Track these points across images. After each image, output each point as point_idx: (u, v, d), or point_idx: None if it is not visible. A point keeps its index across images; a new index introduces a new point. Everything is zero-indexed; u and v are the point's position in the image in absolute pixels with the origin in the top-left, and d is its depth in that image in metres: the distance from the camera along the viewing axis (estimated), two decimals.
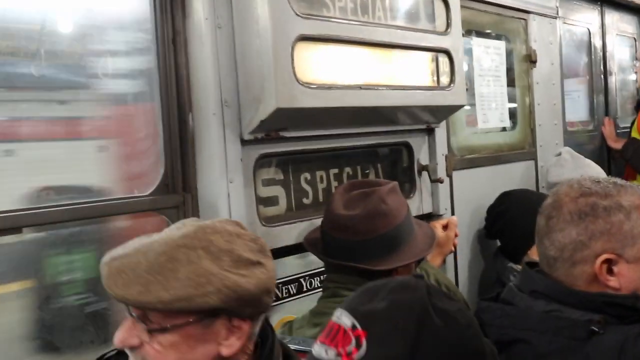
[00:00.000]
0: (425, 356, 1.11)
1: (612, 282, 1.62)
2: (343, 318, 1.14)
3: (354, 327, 1.12)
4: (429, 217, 2.94)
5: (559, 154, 3.62)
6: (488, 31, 3.54)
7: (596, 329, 1.55)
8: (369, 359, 1.09)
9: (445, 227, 2.79)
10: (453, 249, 2.83)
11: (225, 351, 1.40)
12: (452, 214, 3.04)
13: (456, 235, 2.81)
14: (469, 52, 3.35)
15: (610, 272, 1.62)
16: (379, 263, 2.10)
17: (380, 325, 1.12)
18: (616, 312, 1.59)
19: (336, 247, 2.13)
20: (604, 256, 1.61)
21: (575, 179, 1.74)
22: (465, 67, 3.22)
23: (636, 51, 5.20)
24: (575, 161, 3.54)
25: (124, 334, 1.38)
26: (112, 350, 1.56)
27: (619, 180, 1.71)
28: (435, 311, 1.15)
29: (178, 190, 2.13)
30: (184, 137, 2.14)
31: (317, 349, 1.15)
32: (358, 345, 1.10)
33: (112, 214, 2.04)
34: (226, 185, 2.14)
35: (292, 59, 2.10)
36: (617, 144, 4.31)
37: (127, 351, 1.40)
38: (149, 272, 1.33)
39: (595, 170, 3.47)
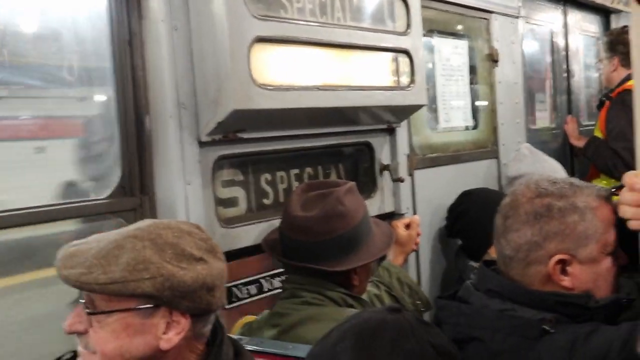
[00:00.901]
0: None
1: (566, 282, 1.64)
2: None
3: None
4: (390, 217, 2.97)
5: (518, 150, 3.69)
6: (450, 31, 3.56)
7: (548, 328, 1.57)
8: None
9: (407, 226, 2.81)
10: (415, 248, 2.85)
11: (164, 345, 1.42)
12: (414, 213, 3.06)
13: (418, 234, 2.83)
14: (431, 52, 3.38)
15: (564, 272, 1.64)
16: (337, 264, 2.12)
17: None
18: (568, 312, 1.61)
19: (294, 248, 2.14)
20: (558, 257, 1.63)
21: (533, 179, 1.76)
22: (428, 66, 3.25)
23: (599, 50, 5.28)
24: (534, 156, 3.60)
25: (72, 320, 1.43)
26: (70, 352, 1.58)
27: (576, 181, 1.73)
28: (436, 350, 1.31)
29: (135, 193, 2.12)
30: (141, 140, 2.13)
31: None
32: None
33: (68, 218, 2.03)
34: (184, 188, 2.13)
35: (249, 61, 2.10)
36: (579, 142, 4.38)
37: (76, 338, 1.45)
38: (95, 257, 1.39)
39: (552, 165, 3.55)
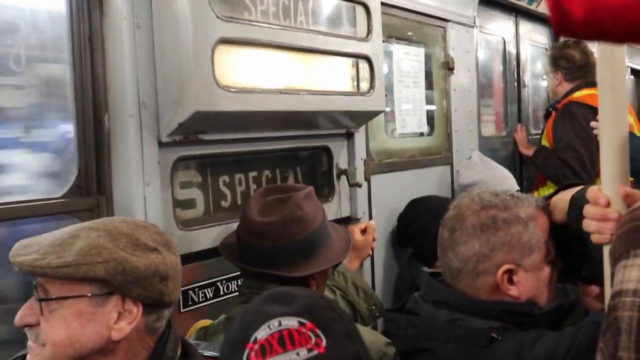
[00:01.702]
0: (353, 325, 1.27)
1: (512, 291, 1.70)
2: (285, 322, 1.19)
3: (301, 324, 1.18)
4: (347, 221, 2.98)
5: (469, 158, 3.77)
6: (408, 38, 3.60)
7: (495, 336, 1.62)
8: (334, 342, 1.18)
9: (363, 231, 2.83)
10: (371, 252, 2.87)
11: (115, 335, 1.43)
12: (370, 218, 3.09)
13: (374, 240, 2.86)
14: (389, 58, 3.41)
15: (510, 281, 1.70)
16: (295, 269, 2.11)
17: (321, 312, 1.21)
18: (514, 319, 1.67)
19: (252, 253, 2.12)
20: (505, 266, 1.69)
21: (475, 191, 1.82)
22: (385, 72, 3.28)
23: (547, 61, 5.42)
24: (484, 164, 3.70)
25: (23, 312, 1.44)
26: (18, 356, 1.57)
27: (515, 193, 1.81)
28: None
29: (92, 193, 2.08)
30: (100, 138, 2.08)
31: (281, 359, 1.16)
32: (317, 335, 1.18)
33: (21, 217, 1.97)
34: (142, 188, 2.10)
35: (212, 62, 2.08)
36: (528, 151, 4.48)
37: (26, 331, 1.45)
38: (50, 245, 1.42)
39: (502, 172, 3.65)
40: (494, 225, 1.70)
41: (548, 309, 1.70)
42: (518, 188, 3.65)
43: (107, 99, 2.08)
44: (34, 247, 1.42)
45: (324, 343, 1.16)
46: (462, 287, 1.73)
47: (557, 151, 4.10)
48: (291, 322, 1.18)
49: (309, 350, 1.15)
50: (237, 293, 2.34)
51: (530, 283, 1.71)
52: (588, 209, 1.39)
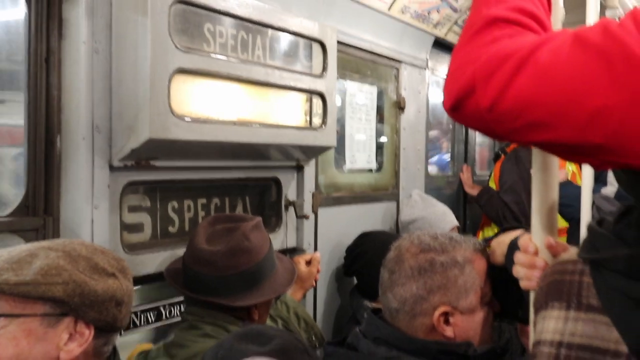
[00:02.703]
0: None
1: (448, 332, 1.75)
2: None
3: None
4: (292, 252, 3.03)
5: (410, 196, 3.90)
6: (362, 76, 3.70)
7: None
8: None
9: (308, 263, 2.88)
10: (314, 284, 2.92)
11: (63, 356, 1.43)
12: (315, 249, 3.13)
13: (318, 271, 2.91)
14: (342, 93, 3.49)
15: (446, 322, 1.75)
16: (239, 299, 2.14)
17: (295, 355, 1.24)
18: (449, 359, 1.72)
19: (197, 280, 2.15)
20: (441, 309, 1.74)
21: (415, 234, 1.87)
22: (338, 106, 3.36)
23: None
24: (424, 201, 3.84)
25: None
26: None
27: (454, 235, 1.87)
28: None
29: (39, 213, 2.07)
30: (50, 159, 2.09)
31: None
32: None
33: None
34: (90, 211, 2.11)
35: (169, 91, 2.11)
36: (473, 190, 4.61)
37: None
38: (7, 262, 1.42)
39: (441, 209, 3.78)
40: (431, 269, 1.75)
41: (482, 351, 1.75)
42: (457, 224, 3.76)
43: (61, 121, 2.10)
44: None
45: None
46: (400, 326, 1.78)
47: (501, 193, 4.24)
48: None
49: None
50: (179, 319, 2.35)
51: (466, 324, 1.76)
52: (518, 256, 1.47)
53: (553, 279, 1.10)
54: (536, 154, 1.42)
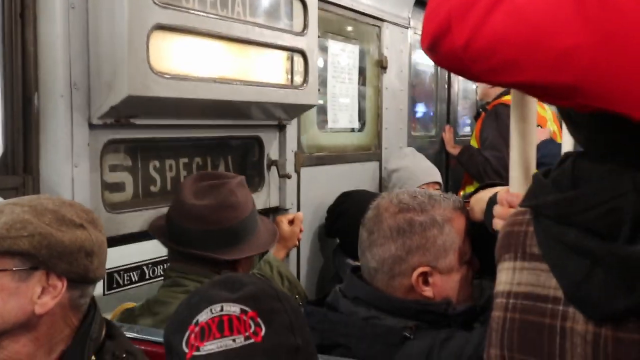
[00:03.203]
0: (300, 315, 1.28)
1: (427, 292, 1.75)
2: (227, 308, 1.19)
3: (243, 311, 1.18)
4: (275, 211, 3.03)
5: (401, 148, 3.99)
6: (343, 34, 3.67)
7: (407, 335, 1.66)
8: (274, 332, 1.18)
9: (291, 222, 2.88)
10: (297, 243, 2.93)
11: (38, 309, 1.43)
12: (298, 209, 3.14)
13: (301, 231, 2.92)
14: (324, 53, 3.47)
15: (425, 282, 1.75)
16: (225, 253, 2.16)
17: (265, 302, 1.21)
18: (429, 319, 1.72)
19: (182, 235, 2.16)
20: (420, 269, 1.73)
21: (394, 192, 1.86)
22: (320, 66, 3.34)
23: None
24: (414, 156, 3.90)
25: None
26: None
27: (433, 193, 1.85)
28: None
29: (18, 172, 2.05)
30: (28, 117, 2.06)
31: (217, 344, 1.15)
32: (257, 324, 1.17)
33: None
34: (71, 169, 2.09)
35: (147, 47, 2.08)
36: (454, 150, 4.63)
37: None
38: None
39: (427, 164, 3.87)
40: (410, 229, 1.74)
41: (461, 310, 1.75)
42: (439, 180, 3.81)
43: (38, 78, 2.06)
44: None
45: (262, 332, 1.17)
46: (379, 286, 1.77)
47: (482, 149, 4.26)
48: (233, 309, 1.18)
49: (246, 337, 1.15)
50: (162, 277, 2.36)
51: (445, 284, 1.76)
52: (496, 209, 1.47)
53: (505, 231, 1.11)
54: (515, 105, 1.42)
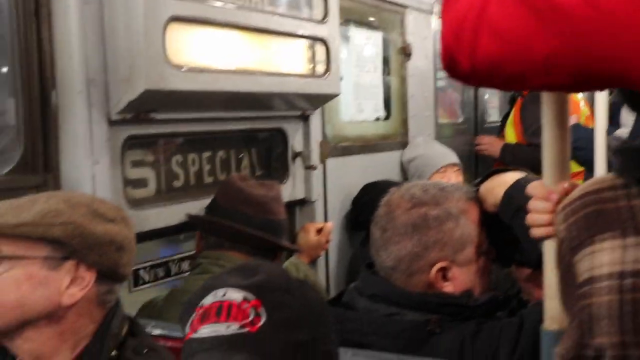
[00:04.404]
0: (314, 310, 1.21)
1: (447, 287, 1.70)
2: (230, 294, 1.16)
3: (246, 299, 1.14)
4: (301, 203, 2.99)
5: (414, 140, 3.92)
6: (366, 22, 3.61)
7: (432, 329, 1.62)
8: (273, 325, 1.13)
9: (319, 231, 2.84)
10: (321, 254, 2.89)
11: (65, 300, 1.43)
12: (325, 200, 3.09)
13: (327, 241, 2.87)
14: (346, 42, 3.41)
15: (445, 277, 1.70)
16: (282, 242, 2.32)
17: (271, 292, 1.17)
18: (450, 311, 1.67)
19: (239, 219, 2.23)
20: (439, 265, 1.69)
21: (405, 186, 1.80)
22: (343, 56, 3.28)
23: None
24: (427, 143, 3.86)
25: None
26: None
27: (445, 185, 1.80)
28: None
29: (38, 170, 2.03)
30: (46, 115, 2.04)
31: (210, 329, 1.13)
32: (257, 314, 1.13)
33: None
34: (91, 166, 2.07)
35: (164, 40, 2.06)
36: (495, 153, 4.45)
37: None
38: (9, 207, 1.45)
39: (443, 149, 3.80)
40: (425, 224, 1.69)
41: (483, 301, 1.71)
42: (457, 161, 3.72)
43: (55, 75, 2.04)
44: None
45: (260, 323, 1.13)
46: (396, 284, 1.72)
47: (527, 137, 4.13)
48: (235, 295, 1.15)
49: (241, 326, 1.12)
50: (187, 273, 2.34)
51: (465, 277, 1.72)
52: (537, 204, 1.36)
53: (589, 211, 1.02)
54: (546, 94, 1.34)
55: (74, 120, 2.05)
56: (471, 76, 0.98)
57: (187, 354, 1.14)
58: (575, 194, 1.10)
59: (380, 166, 3.61)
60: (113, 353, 1.48)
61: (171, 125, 2.35)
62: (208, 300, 1.16)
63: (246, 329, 1.12)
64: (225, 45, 2.37)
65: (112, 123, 2.12)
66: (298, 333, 1.15)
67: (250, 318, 1.13)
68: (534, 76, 0.92)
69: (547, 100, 1.35)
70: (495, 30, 0.91)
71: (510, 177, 1.74)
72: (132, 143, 2.26)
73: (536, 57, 0.89)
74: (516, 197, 1.64)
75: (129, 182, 2.26)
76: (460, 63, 0.96)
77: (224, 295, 1.16)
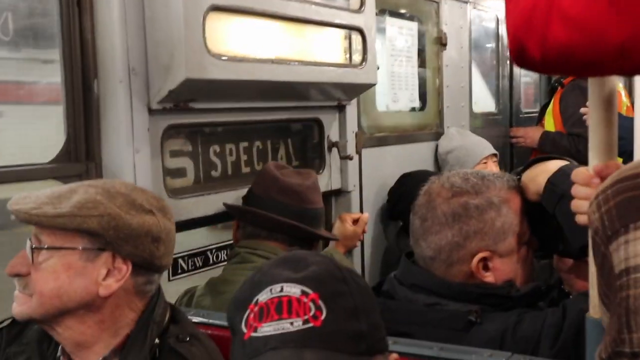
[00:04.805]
0: (369, 298, 1.20)
1: (488, 277, 1.68)
2: (287, 288, 1.12)
3: (304, 293, 1.11)
4: (337, 194, 2.99)
5: (447, 131, 3.88)
6: (401, 12, 3.58)
7: (474, 319, 1.60)
8: (335, 317, 1.10)
9: (355, 221, 2.83)
10: (357, 245, 2.88)
11: (102, 291, 1.44)
12: (361, 190, 3.08)
13: (363, 232, 2.86)
14: (382, 32, 3.39)
15: (486, 268, 1.68)
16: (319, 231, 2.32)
17: (328, 284, 1.14)
18: (492, 302, 1.65)
19: (275, 209, 2.23)
20: (480, 255, 1.66)
21: (445, 175, 1.77)
22: (378, 46, 3.26)
23: None
24: (461, 134, 3.80)
25: (15, 261, 1.46)
26: (8, 319, 1.58)
27: (486, 174, 1.77)
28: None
29: (80, 159, 2.06)
30: (89, 104, 2.06)
31: (274, 326, 1.10)
32: (318, 307, 1.10)
33: (8, 182, 1.95)
34: (132, 155, 2.09)
35: (204, 29, 2.06)
36: (534, 143, 4.40)
37: (15, 280, 1.46)
38: (48, 197, 1.44)
39: (477, 138, 3.78)
40: (466, 214, 1.66)
41: (525, 291, 1.69)
42: (494, 152, 3.69)
43: (97, 65, 2.06)
44: (32, 197, 1.45)
45: (322, 316, 1.09)
46: (436, 274, 1.70)
47: (568, 127, 4.07)
48: (293, 290, 1.12)
49: (305, 321, 1.08)
50: (225, 262, 2.35)
51: (506, 267, 1.69)
52: (579, 189, 1.34)
53: (623, 198, 0.98)
54: (593, 83, 1.30)
55: (115, 109, 2.07)
56: (542, 64, 0.98)
57: (249, 353, 1.10)
58: (609, 180, 1.04)
59: (415, 157, 3.58)
60: (156, 341, 1.49)
61: (209, 114, 2.36)
62: (263, 296, 1.13)
63: (311, 324, 1.09)
64: (263, 34, 2.36)
65: (152, 112, 2.14)
66: (358, 322, 1.13)
67: (312, 312, 1.09)
68: (610, 62, 0.92)
69: (592, 82, 1.31)
70: (567, 17, 0.91)
71: (553, 165, 1.70)
72: (171, 132, 2.27)
73: (611, 43, 0.89)
74: (559, 185, 1.61)
75: (168, 172, 2.27)
76: (531, 51, 0.96)
77: (281, 290, 1.12)
